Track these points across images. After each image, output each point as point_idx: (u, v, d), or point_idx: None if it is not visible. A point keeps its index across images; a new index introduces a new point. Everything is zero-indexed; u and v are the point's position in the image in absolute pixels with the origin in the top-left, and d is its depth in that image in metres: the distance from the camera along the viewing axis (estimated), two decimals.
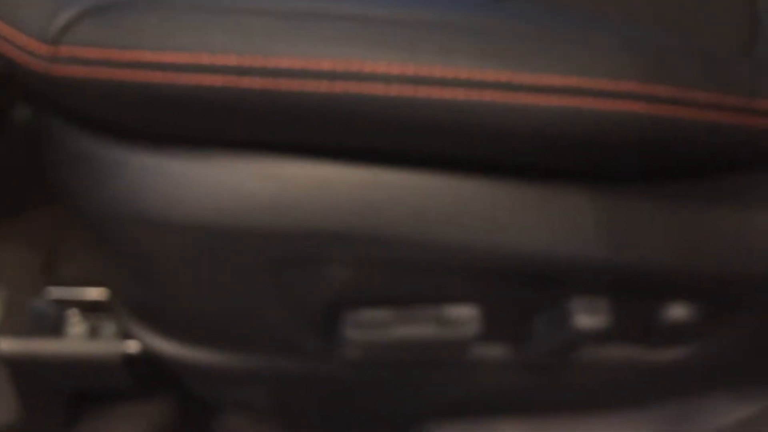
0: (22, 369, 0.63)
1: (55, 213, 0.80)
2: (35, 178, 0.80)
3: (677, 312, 0.51)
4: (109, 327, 0.64)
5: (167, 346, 0.56)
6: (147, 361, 0.60)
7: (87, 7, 0.43)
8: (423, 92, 0.40)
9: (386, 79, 0.40)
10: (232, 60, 0.40)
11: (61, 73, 0.42)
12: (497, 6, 0.46)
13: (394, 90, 0.40)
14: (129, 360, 0.62)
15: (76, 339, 0.62)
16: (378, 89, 0.40)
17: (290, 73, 0.40)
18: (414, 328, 0.51)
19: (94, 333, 0.63)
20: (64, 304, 0.65)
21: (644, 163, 0.46)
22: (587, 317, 0.49)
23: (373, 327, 0.51)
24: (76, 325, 0.64)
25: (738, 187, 0.48)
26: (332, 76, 0.40)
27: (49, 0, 0.43)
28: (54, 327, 0.65)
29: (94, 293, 0.64)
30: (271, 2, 0.41)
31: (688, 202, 0.47)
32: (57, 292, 0.65)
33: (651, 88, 0.41)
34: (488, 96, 0.40)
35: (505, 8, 0.46)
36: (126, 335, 0.61)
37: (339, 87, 0.40)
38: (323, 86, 0.40)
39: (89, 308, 0.66)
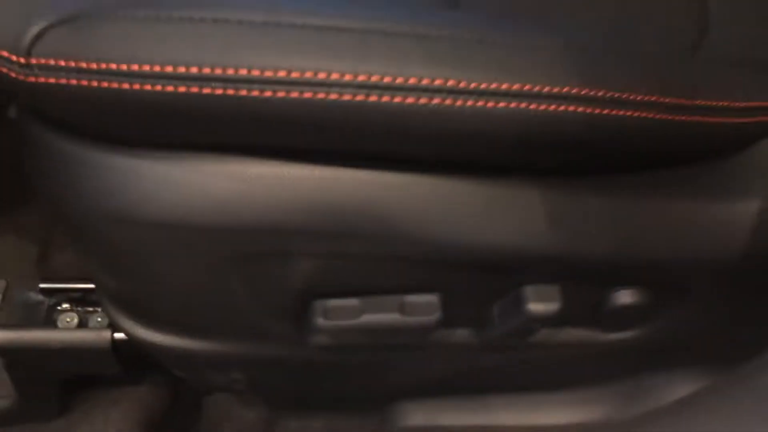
0: (16, 358, 0.66)
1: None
2: None
3: (624, 297, 0.54)
4: (97, 317, 0.67)
5: (148, 335, 0.59)
6: (133, 348, 0.63)
7: (56, 19, 0.45)
8: (374, 98, 0.43)
9: (339, 86, 0.43)
10: (193, 70, 0.43)
11: (34, 81, 0.45)
12: (446, 13, 0.49)
13: (347, 96, 0.43)
14: (116, 348, 0.65)
15: (65, 330, 0.65)
16: (331, 95, 0.43)
17: (248, 81, 0.43)
18: (379, 315, 0.54)
19: (83, 323, 0.67)
20: (55, 295, 0.69)
21: (588, 159, 0.49)
22: (540, 304, 0.52)
23: (341, 315, 0.55)
24: (66, 315, 0.67)
25: (677, 178, 0.51)
26: (288, 84, 0.43)
27: (22, 12, 0.46)
28: (46, 317, 0.68)
29: (84, 285, 0.68)
30: (229, 12, 0.44)
31: (631, 193, 0.50)
32: (48, 284, 0.68)
33: (590, 90, 0.44)
34: (436, 101, 0.43)
35: (454, 15, 0.49)
36: (112, 325, 0.64)
37: (295, 94, 0.43)
38: (280, 93, 0.43)
39: (79, 299, 0.69)
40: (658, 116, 0.46)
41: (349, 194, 0.49)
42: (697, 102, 0.47)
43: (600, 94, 0.44)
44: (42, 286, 0.68)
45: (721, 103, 0.48)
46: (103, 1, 0.46)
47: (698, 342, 0.61)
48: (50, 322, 0.67)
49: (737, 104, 0.49)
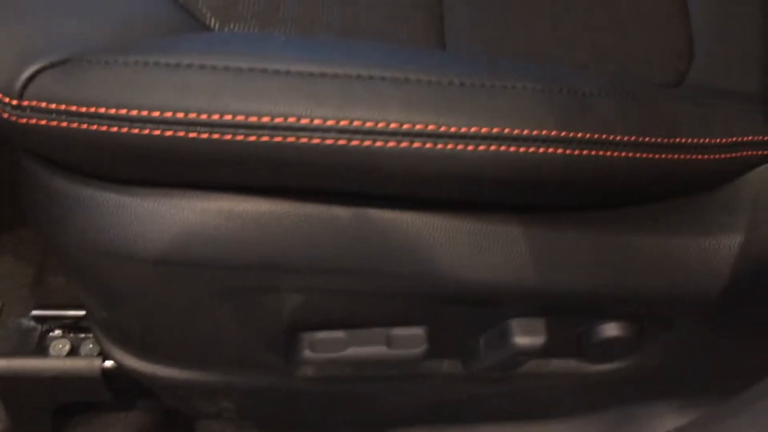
0: (8, 385, 0.67)
1: None
2: None
3: (609, 330, 0.55)
4: (89, 343, 0.68)
5: (137, 364, 0.60)
6: (125, 376, 0.64)
7: (49, 62, 0.46)
8: (356, 142, 0.43)
9: (321, 131, 0.43)
10: (180, 115, 0.43)
11: (25, 122, 0.46)
12: (431, 54, 0.50)
13: (330, 140, 0.43)
14: (107, 376, 0.66)
15: (56, 357, 0.66)
16: (314, 140, 0.43)
17: (234, 126, 0.43)
18: (366, 348, 0.55)
19: (75, 350, 0.67)
20: (48, 321, 0.69)
21: (570, 197, 0.49)
22: (525, 337, 0.53)
23: (328, 348, 0.55)
24: (58, 342, 0.68)
25: (659, 212, 0.51)
26: (272, 129, 0.43)
27: (16, 54, 0.47)
28: (38, 344, 0.69)
29: (76, 312, 0.68)
30: (216, 59, 0.45)
31: (613, 229, 0.51)
32: (40, 311, 0.69)
33: (569, 132, 0.45)
34: (417, 144, 0.44)
35: (438, 57, 0.49)
36: (103, 353, 0.65)
37: (279, 138, 0.43)
38: (264, 138, 0.43)
39: (71, 325, 0.70)
40: (637, 156, 0.46)
41: (335, 231, 0.49)
42: (677, 140, 0.48)
43: (578, 135, 0.45)
44: (34, 313, 0.69)
45: (702, 141, 0.49)
46: (93, 46, 0.47)
47: (684, 372, 0.61)
48: (42, 349, 0.68)
49: (718, 141, 0.50)
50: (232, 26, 0.53)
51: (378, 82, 0.44)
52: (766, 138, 0.51)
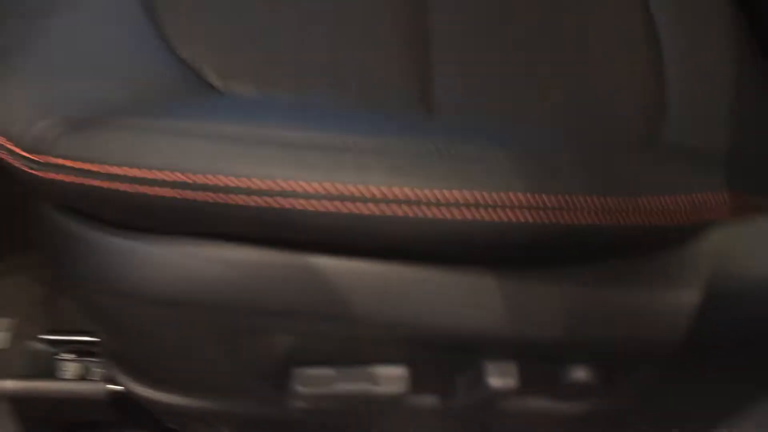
0: (21, 406, 0.72)
1: None
2: None
3: (578, 373, 0.58)
4: (98, 368, 0.72)
5: (141, 390, 0.64)
6: (131, 399, 0.68)
7: (65, 120, 0.50)
8: (341, 207, 0.48)
9: (308, 196, 0.47)
10: (180, 177, 0.48)
11: (39, 175, 0.50)
12: (414, 121, 0.54)
13: (316, 205, 0.48)
14: (114, 399, 0.70)
15: (66, 380, 0.71)
16: (301, 204, 0.48)
17: (228, 190, 0.48)
18: (353, 384, 0.59)
19: (84, 373, 0.72)
20: (59, 345, 0.74)
21: (539, 255, 0.53)
22: (499, 379, 0.57)
23: (318, 383, 0.59)
24: (68, 365, 0.72)
25: (624, 269, 0.55)
26: (263, 192, 0.48)
27: (34, 110, 0.51)
28: (49, 365, 0.73)
29: (85, 337, 0.73)
30: (212, 126, 0.49)
31: (581, 282, 0.55)
32: (51, 336, 0.74)
33: (538, 198, 0.49)
34: (399, 211, 0.48)
35: (421, 124, 0.53)
36: (110, 378, 0.69)
37: (268, 202, 0.48)
38: (256, 200, 0.48)
39: (81, 349, 0.74)
40: (599, 221, 0.50)
41: (322, 280, 0.53)
42: (641, 202, 0.52)
43: (542, 201, 0.49)
44: (46, 337, 0.73)
45: (666, 202, 0.52)
46: (106, 104, 0.51)
47: (657, 408, 0.65)
48: (52, 371, 0.73)
49: (683, 202, 0.53)
50: (233, 84, 0.57)
51: (359, 152, 0.48)
52: (726, 198, 0.54)
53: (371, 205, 0.48)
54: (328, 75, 0.56)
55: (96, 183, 0.49)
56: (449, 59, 0.58)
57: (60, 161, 0.50)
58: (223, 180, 0.48)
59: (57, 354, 0.74)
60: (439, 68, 0.58)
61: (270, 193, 0.48)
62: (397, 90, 0.55)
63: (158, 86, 0.54)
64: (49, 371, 0.73)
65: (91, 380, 0.71)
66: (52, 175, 0.50)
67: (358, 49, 0.58)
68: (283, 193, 0.47)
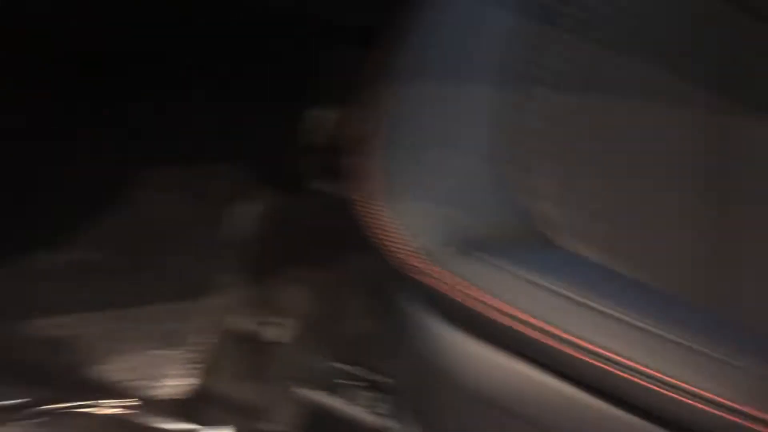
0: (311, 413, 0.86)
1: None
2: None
3: None
4: (381, 406, 0.83)
5: None
6: None
7: (458, 243, 0.60)
8: (656, 387, 0.55)
9: (632, 371, 0.56)
10: (547, 327, 0.57)
11: (421, 279, 0.62)
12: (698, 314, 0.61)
13: (629, 375, 0.56)
14: None
15: (355, 408, 0.83)
16: (625, 374, 0.56)
17: (561, 340, 0.56)
18: None
19: (366, 406, 0.84)
20: (349, 375, 0.87)
21: None
22: None
23: None
24: (350, 392, 0.85)
25: None
26: (596, 356, 0.57)
27: (433, 231, 0.63)
28: (333, 386, 0.87)
29: (375, 377, 0.84)
30: (562, 287, 0.58)
31: None
32: (342, 365, 0.86)
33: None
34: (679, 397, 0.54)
35: (701, 317, 0.60)
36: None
37: (601, 364, 0.56)
38: (583, 357, 0.57)
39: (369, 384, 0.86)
40: None
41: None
42: None
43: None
44: (338, 365, 0.87)
45: None
46: (468, 238, 0.61)
47: None
48: (336, 391, 0.86)
49: None
50: (577, 244, 0.65)
51: (684, 348, 0.56)
52: None
53: (667, 390, 0.55)
54: (674, 265, 0.64)
55: (470, 304, 0.59)
56: None
57: (443, 276, 0.60)
58: (557, 331, 0.57)
59: (341, 375, 0.86)
60: None
61: (601, 357, 0.56)
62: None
63: (507, 230, 0.64)
64: (332, 389, 0.86)
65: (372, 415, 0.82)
66: (432, 282, 0.61)
67: None
68: (612, 362, 0.55)
